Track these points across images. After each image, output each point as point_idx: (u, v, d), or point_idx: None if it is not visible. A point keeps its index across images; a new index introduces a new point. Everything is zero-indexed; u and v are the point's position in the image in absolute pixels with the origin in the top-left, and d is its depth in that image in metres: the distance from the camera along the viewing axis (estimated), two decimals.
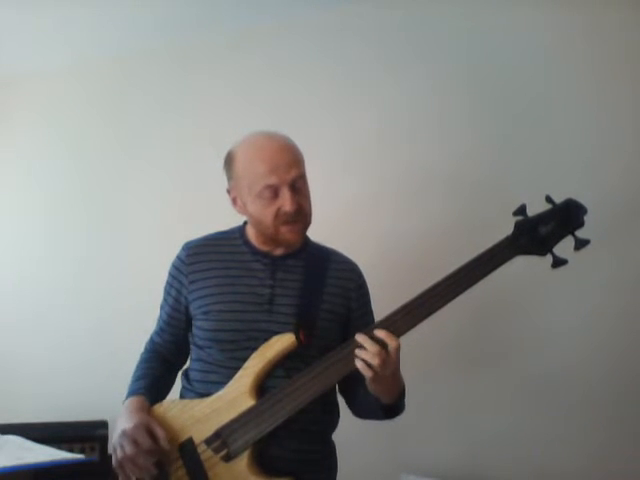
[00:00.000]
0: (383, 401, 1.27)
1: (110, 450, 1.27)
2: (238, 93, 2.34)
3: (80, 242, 2.53)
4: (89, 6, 2.17)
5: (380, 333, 1.20)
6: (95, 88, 2.58)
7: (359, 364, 1.19)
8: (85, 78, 2.60)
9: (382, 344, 1.19)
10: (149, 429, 1.24)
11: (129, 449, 1.21)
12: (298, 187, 1.31)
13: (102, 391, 2.15)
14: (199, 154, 2.33)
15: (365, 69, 2.16)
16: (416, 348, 1.81)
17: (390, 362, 1.19)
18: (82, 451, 2.11)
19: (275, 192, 1.29)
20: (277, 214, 1.30)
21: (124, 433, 1.23)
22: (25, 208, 2.64)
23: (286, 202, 1.28)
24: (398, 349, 1.19)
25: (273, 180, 1.28)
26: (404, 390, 1.30)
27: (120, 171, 2.51)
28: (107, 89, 2.56)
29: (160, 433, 1.24)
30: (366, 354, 1.18)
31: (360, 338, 1.20)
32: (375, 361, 1.17)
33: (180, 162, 2.41)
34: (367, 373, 1.19)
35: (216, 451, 1.25)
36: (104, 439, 2.14)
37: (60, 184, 2.59)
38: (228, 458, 1.24)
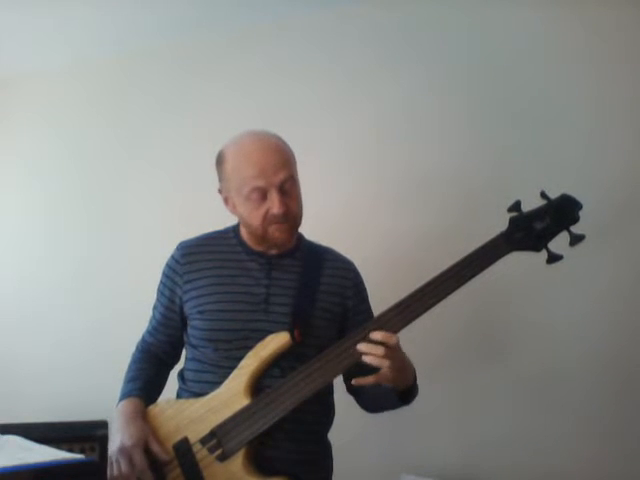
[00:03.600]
0: (399, 388, 1.28)
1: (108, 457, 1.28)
2: (238, 93, 2.34)
3: (80, 242, 2.53)
4: (89, 6, 2.18)
5: (377, 335, 1.20)
6: (95, 88, 2.58)
7: (375, 361, 1.19)
8: (85, 78, 2.60)
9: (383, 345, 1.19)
10: (147, 444, 1.25)
11: (124, 467, 1.22)
12: (286, 189, 1.31)
13: (102, 391, 2.14)
14: (199, 154, 2.31)
15: (364, 69, 2.16)
16: (415, 348, 1.81)
17: (396, 357, 1.20)
18: (82, 451, 2.11)
19: (263, 194, 1.30)
20: (265, 216, 1.31)
21: (122, 449, 1.24)
22: (25, 208, 2.64)
23: (274, 204, 1.29)
24: (398, 343, 1.21)
25: (261, 182, 1.29)
26: (415, 372, 1.31)
27: (120, 171, 2.51)
28: (107, 89, 2.56)
29: (157, 448, 1.25)
30: (374, 359, 1.19)
31: (362, 346, 1.20)
32: (385, 364, 1.18)
33: (180, 162, 2.41)
34: (381, 380, 1.21)
35: (211, 451, 1.25)
36: (104, 439, 2.14)
37: (60, 184, 2.59)
38: (223, 457, 1.24)
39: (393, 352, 1.19)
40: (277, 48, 2.30)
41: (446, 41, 2.07)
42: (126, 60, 2.53)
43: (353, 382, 1.23)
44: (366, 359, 1.20)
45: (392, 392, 1.29)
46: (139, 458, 1.23)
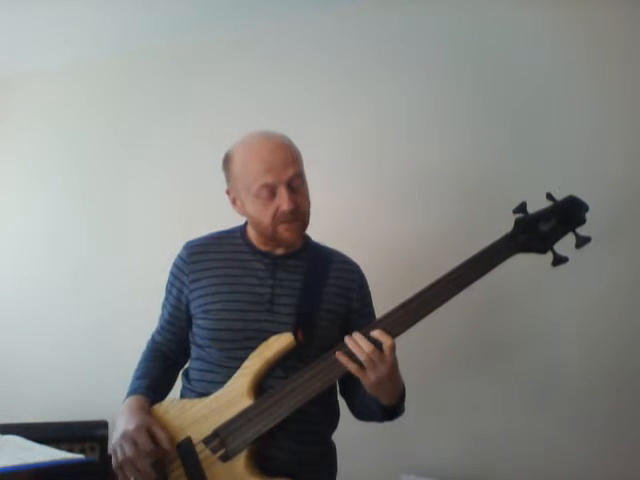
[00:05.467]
0: (382, 402, 1.27)
1: (110, 450, 1.27)
2: (238, 93, 2.34)
3: (80, 242, 2.54)
4: (89, 6, 2.17)
5: (375, 332, 1.20)
6: (95, 88, 2.58)
7: (351, 366, 1.19)
8: (85, 78, 2.60)
9: (377, 343, 1.19)
10: (150, 431, 1.25)
11: (129, 451, 1.21)
12: (295, 186, 1.31)
13: (102, 391, 2.16)
14: (199, 154, 2.33)
15: (365, 69, 2.16)
16: (416, 348, 1.81)
17: (384, 361, 1.19)
18: (82, 451, 2.11)
19: (272, 191, 1.29)
20: (275, 214, 1.30)
21: (125, 434, 1.23)
22: (25, 208, 2.64)
23: (283, 201, 1.28)
24: (392, 348, 1.19)
25: (270, 179, 1.28)
26: (404, 392, 1.30)
27: (120, 171, 2.51)
28: (107, 89, 2.56)
29: (161, 435, 1.25)
30: (359, 353, 1.18)
31: (356, 336, 1.20)
32: (367, 363, 1.18)
33: (180, 162, 2.41)
34: (359, 374, 1.20)
35: (214, 451, 1.25)
36: (104, 439, 2.14)
37: (60, 184, 2.59)
38: (226, 458, 1.24)
39: (383, 354, 1.18)
40: (277, 48, 2.30)
41: (446, 41, 2.07)
42: (126, 60, 2.53)
43: (337, 354, 1.21)
44: (353, 349, 1.19)
45: (376, 404, 1.29)
46: (144, 439, 1.22)
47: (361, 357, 1.18)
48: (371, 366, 1.18)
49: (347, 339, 1.21)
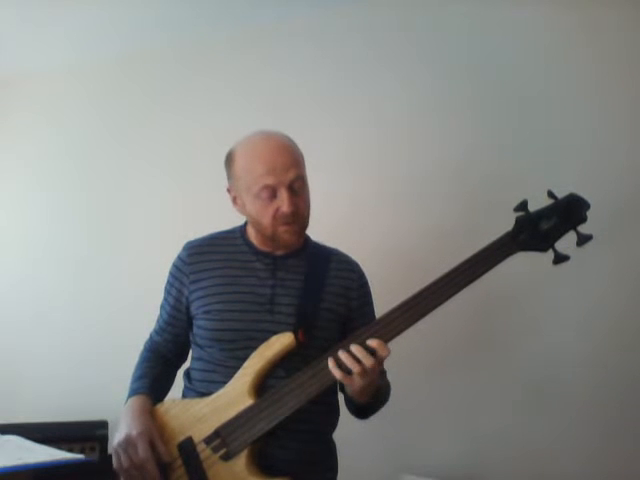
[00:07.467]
0: (355, 401, 1.30)
1: (110, 450, 1.28)
2: (238, 92, 2.35)
3: (80, 242, 2.53)
4: (90, 6, 2.17)
5: (372, 343, 1.20)
6: (96, 88, 2.58)
7: (337, 373, 1.20)
8: (85, 78, 2.60)
9: (371, 352, 1.19)
10: (152, 442, 1.25)
11: (134, 456, 1.22)
12: (296, 188, 1.31)
13: (102, 391, 2.16)
14: (199, 154, 2.33)
15: (365, 69, 2.16)
16: (416, 348, 1.81)
17: (374, 371, 1.20)
18: (82, 451, 2.11)
19: (273, 193, 1.30)
20: (275, 215, 1.30)
21: (127, 439, 1.24)
22: (25, 208, 2.64)
23: (283, 203, 1.29)
24: (386, 357, 1.20)
25: (271, 180, 1.29)
26: (384, 391, 1.33)
27: (120, 171, 2.51)
28: (107, 89, 2.56)
29: (161, 447, 1.26)
30: (353, 364, 1.18)
31: (354, 349, 1.20)
32: (357, 369, 1.18)
33: (180, 162, 2.41)
34: (346, 381, 1.20)
35: (215, 450, 1.25)
36: (104, 439, 2.14)
37: (60, 184, 2.59)
38: (227, 457, 1.25)
39: (375, 366, 1.19)
40: (277, 47, 2.30)
41: (446, 40, 2.07)
42: (126, 60, 2.53)
43: (328, 361, 1.21)
44: (346, 361, 1.19)
45: (351, 402, 1.32)
46: (143, 447, 1.23)
47: (354, 369, 1.18)
48: (363, 375, 1.19)
49: (340, 352, 1.20)
